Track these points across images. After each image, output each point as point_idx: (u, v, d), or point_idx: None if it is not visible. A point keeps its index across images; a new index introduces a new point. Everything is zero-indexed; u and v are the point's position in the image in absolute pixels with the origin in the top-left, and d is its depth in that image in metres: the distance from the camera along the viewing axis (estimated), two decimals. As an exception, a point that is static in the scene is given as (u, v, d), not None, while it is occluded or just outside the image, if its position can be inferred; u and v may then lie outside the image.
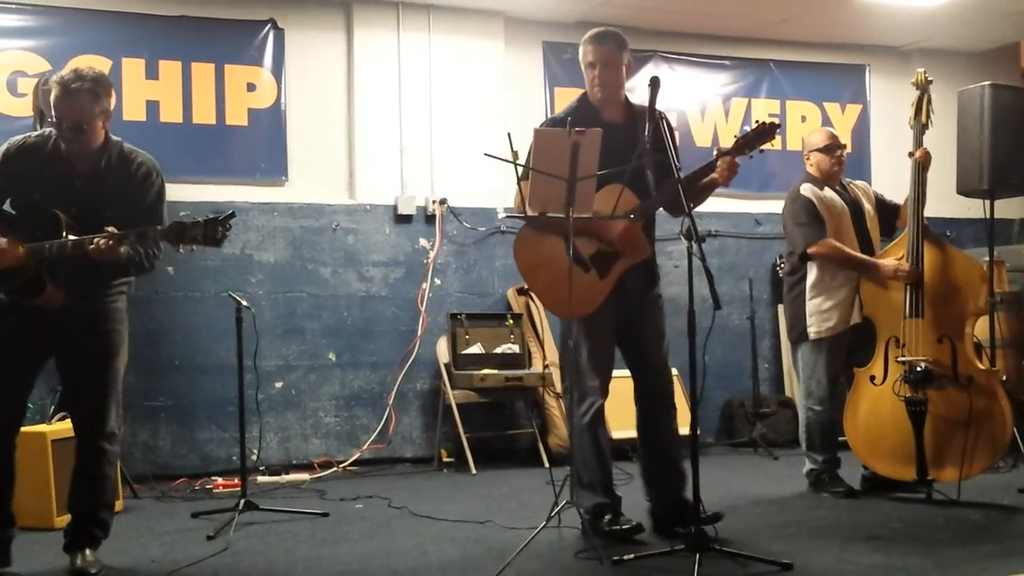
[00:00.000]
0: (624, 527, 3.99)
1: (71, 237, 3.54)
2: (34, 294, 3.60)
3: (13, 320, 3.64)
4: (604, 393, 4.13)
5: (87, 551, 3.78)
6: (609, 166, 3.77)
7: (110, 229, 3.49)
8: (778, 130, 3.94)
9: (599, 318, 4.06)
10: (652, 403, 4.19)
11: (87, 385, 3.80)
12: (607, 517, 4.04)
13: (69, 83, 3.55)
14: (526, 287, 4.16)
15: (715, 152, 3.96)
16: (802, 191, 5.04)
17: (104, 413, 3.78)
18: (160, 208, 3.76)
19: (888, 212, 5.17)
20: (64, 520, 4.10)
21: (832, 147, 5.09)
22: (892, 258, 4.86)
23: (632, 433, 4.33)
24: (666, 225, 4.27)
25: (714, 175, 3.95)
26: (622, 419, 4.69)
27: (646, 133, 3.77)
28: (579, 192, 3.71)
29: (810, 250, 4.94)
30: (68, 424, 4.60)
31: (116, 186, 3.69)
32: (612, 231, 3.97)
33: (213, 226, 3.41)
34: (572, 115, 4.05)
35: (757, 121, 3.94)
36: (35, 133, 3.81)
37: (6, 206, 3.73)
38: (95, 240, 3.46)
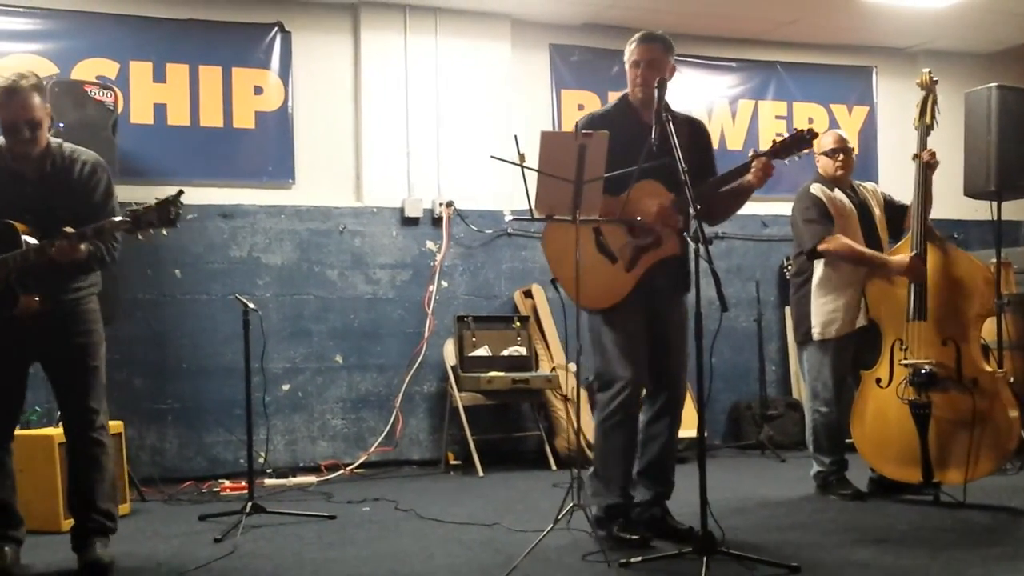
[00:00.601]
0: (634, 537, 3.91)
1: (31, 243, 3.60)
2: (8, 306, 3.66)
3: None
4: (636, 381, 3.99)
5: (97, 544, 3.83)
6: (658, 156, 3.74)
7: (67, 230, 3.54)
8: (816, 137, 3.93)
9: (626, 309, 3.99)
10: (662, 410, 4.11)
11: (72, 387, 3.87)
12: (620, 521, 3.98)
13: (13, 84, 3.62)
14: (553, 279, 4.10)
15: (750, 154, 3.94)
16: (812, 190, 5.03)
17: (93, 410, 3.87)
18: (110, 203, 3.81)
19: (896, 214, 5.16)
20: (71, 523, 4.12)
21: (836, 151, 5.07)
22: (903, 255, 4.83)
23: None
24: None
25: (748, 177, 3.91)
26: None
27: (652, 135, 3.74)
28: (586, 194, 3.71)
29: (821, 246, 4.92)
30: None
31: (65, 186, 3.75)
32: (647, 213, 3.89)
33: (165, 207, 3.51)
34: (609, 115, 4.07)
35: (796, 128, 3.93)
36: None
37: None
38: (55, 243, 3.52)
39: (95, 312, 3.93)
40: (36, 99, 3.65)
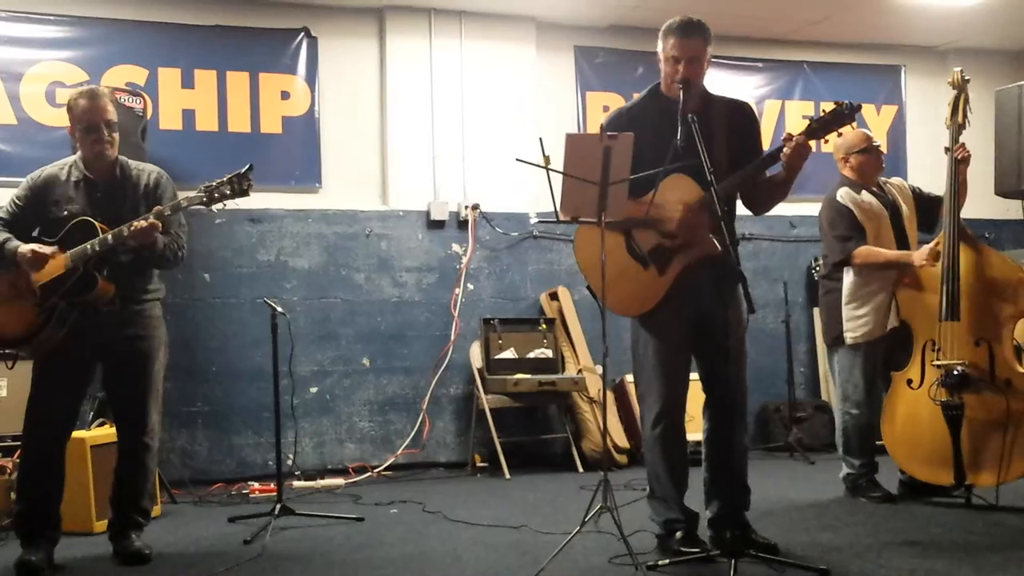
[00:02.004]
0: (696, 551, 3.74)
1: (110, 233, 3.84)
2: (87, 291, 3.87)
3: (68, 331, 3.90)
4: (675, 399, 3.84)
5: (133, 536, 4.07)
6: (684, 156, 3.61)
7: (149, 216, 3.81)
8: (858, 112, 3.68)
9: (665, 317, 3.81)
10: (720, 415, 3.89)
11: (130, 390, 4.09)
12: (679, 535, 3.84)
13: (95, 88, 4.03)
14: (588, 286, 4.01)
15: (783, 137, 3.72)
16: (839, 198, 4.97)
17: (147, 414, 4.10)
18: (177, 207, 3.98)
19: (928, 205, 5.07)
20: (103, 525, 4.22)
21: (872, 148, 5.03)
22: (923, 248, 4.79)
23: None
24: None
25: (783, 161, 3.68)
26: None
27: (678, 135, 3.69)
28: (611, 196, 3.69)
29: (853, 261, 4.89)
30: (107, 430, 4.72)
31: (132, 195, 4.02)
32: (671, 220, 3.74)
33: (238, 180, 3.82)
34: (637, 109, 3.93)
35: (835, 102, 3.68)
36: (50, 165, 4.13)
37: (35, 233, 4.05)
38: (133, 224, 3.76)
39: (158, 319, 4.17)
40: (111, 105, 4.01)
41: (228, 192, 3.79)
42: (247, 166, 3.83)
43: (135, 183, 4.05)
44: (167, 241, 3.96)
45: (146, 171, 4.12)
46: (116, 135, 4.01)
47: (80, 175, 4.02)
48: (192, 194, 3.85)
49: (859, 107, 3.70)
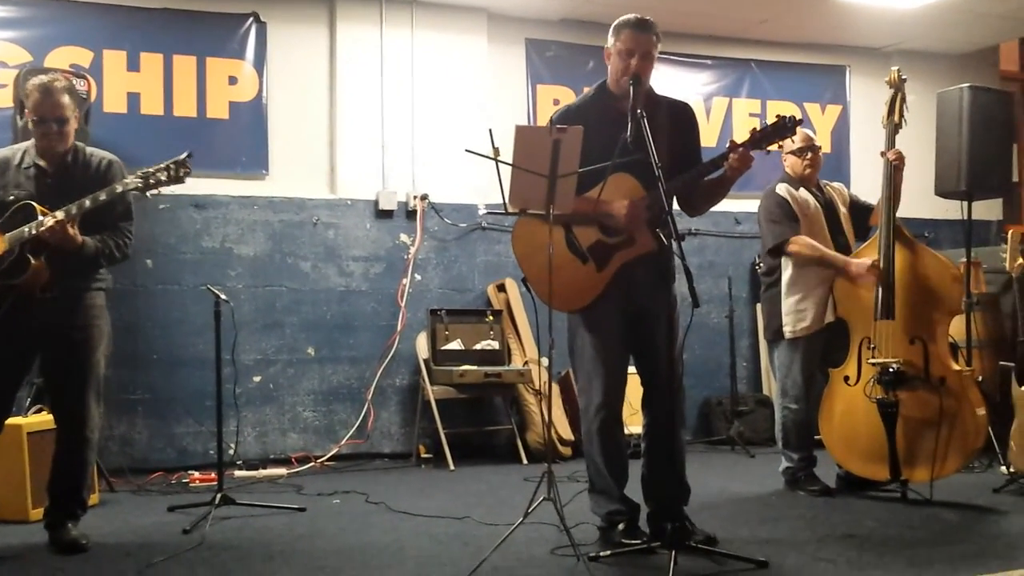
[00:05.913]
0: (638, 542, 3.77)
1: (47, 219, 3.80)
2: (19, 273, 3.81)
3: (6, 316, 3.83)
4: (614, 392, 3.89)
5: (69, 525, 4.01)
6: (632, 153, 3.64)
7: (57, 214, 3.75)
8: (800, 125, 3.80)
9: (603, 312, 3.87)
10: (657, 410, 3.92)
11: (69, 381, 4.01)
12: (621, 527, 3.88)
13: (50, 84, 3.95)
14: (523, 279, 4.02)
15: (728, 144, 3.81)
16: (777, 190, 5.06)
17: (87, 404, 4.01)
18: (125, 197, 3.97)
19: (861, 213, 5.19)
20: (39, 513, 4.15)
21: (803, 149, 5.07)
22: (865, 259, 4.87)
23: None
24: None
25: (725, 169, 3.76)
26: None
27: (627, 131, 3.72)
28: (559, 189, 3.71)
29: (788, 248, 4.95)
30: (44, 417, 4.63)
31: (83, 180, 3.96)
32: (618, 216, 3.78)
33: (176, 167, 3.81)
34: (586, 106, 3.95)
35: (778, 115, 3.77)
36: (5, 148, 4.16)
37: None
38: (44, 223, 3.73)
39: (101, 308, 4.10)
40: (66, 99, 3.96)
41: (164, 179, 3.76)
42: (186, 153, 3.81)
43: (84, 169, 4.01)
44: (100, 245, 3.91)
45: (97, 156, 4.08)
46: (68, 128, 3.97)
47: (31, 162, 4.00)
48: (128, 180, 3.82)
49: (800, 120, 3.81)
